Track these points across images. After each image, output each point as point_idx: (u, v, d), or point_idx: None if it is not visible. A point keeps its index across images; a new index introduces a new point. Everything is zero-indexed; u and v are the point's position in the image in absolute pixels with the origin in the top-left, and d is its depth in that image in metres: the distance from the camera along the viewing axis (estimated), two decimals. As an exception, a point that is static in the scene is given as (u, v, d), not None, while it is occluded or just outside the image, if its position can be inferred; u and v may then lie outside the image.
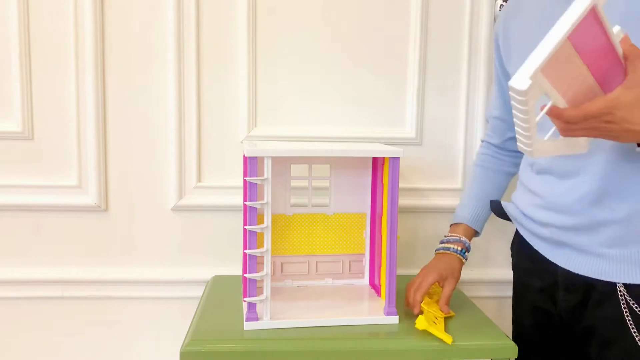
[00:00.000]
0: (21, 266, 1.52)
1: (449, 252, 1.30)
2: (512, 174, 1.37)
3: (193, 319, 1.23)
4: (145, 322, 1.56)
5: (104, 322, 1.55)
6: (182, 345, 1.10)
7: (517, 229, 1.27)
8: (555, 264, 1.12)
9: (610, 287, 1.03)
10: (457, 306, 1.31)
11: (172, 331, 1.53)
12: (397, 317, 1.19)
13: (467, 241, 1.32)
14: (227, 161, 1.52)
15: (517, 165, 1.35)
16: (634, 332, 1.01)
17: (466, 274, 1.61)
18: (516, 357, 1.14)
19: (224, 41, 1.48)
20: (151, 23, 1.46)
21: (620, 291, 1.02)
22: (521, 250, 1.25)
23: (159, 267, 1.55)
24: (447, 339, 1.12)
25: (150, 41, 1.47)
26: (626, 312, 1.01)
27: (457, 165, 1.57)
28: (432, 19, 1.51)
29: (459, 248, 1.30)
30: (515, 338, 1.30)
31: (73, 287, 1.53)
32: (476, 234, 1.35)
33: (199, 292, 1.45)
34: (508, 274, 1.57)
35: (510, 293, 1.42)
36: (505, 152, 1.36)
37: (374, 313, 1.21)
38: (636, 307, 1.01)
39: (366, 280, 1.38)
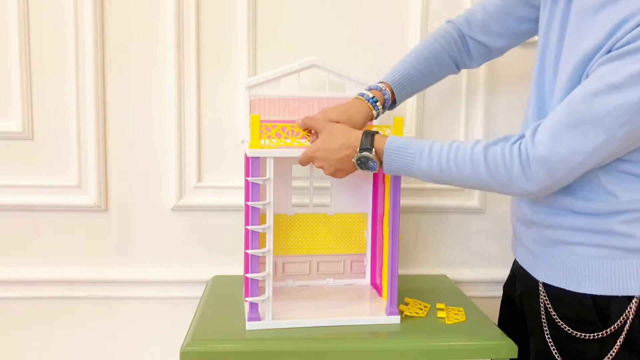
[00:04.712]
0: (21, 266, 1.51)
1: (361, 97, 1.19)
2: (454, 65, 1.29)
3: (193, 319, 1.23)
4: (145, 322, 1.56)
5: (104, 322, 1.55)
6: (182, 345, 1.10)
7: None
8: None
9: (536, 283, 1.10)
10: (457, 306, 1.32)
11: (172, 331, 1.53)
12: (398, 317, 1.20)
13: (389, 92, 1.21)
14: (227, 161, 1.52)
15: (463, 62, 1.29)
16: (545, 328, 1.07)
17: (466, 274, 1.61)
18: (516, 357, 1.15)
19: (224, 41, 1.48)
20: (151, 23, 1.46)
21: (540, 288, 1.09)
22: None
23: (159, 267, 1.54)
24: (422, 313, 1.14)
25: (150, 41, 1.47)
26: (542, 309, 1.08)
27: (457, 165, 1.57)
28: (432, 19, 1.50)
29: (371, 95, 1.19)
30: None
31: (73, 287, 1.53)
32: (394, 101, 1.24)
33: (199, 292, 1.45)
34: (508, 273, 1.58)
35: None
36: (466, 43, 1.27)
37: (376, 313, 1.22)
38: (549, 307, 1.06)
39: (367, 280, 1.39)
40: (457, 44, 1.26)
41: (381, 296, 1.30)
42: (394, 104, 1.24)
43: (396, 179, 1.16)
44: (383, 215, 1.24)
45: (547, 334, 1.07)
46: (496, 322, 1.24)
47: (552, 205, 1.04)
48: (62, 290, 1.53)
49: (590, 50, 0.94)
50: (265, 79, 1.27)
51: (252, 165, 1.11)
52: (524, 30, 1.23)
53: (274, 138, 1.13)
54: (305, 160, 1.12)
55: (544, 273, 1.08)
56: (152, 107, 1.49)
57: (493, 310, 1.59)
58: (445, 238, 1.60)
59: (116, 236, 1.53)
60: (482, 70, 1.53)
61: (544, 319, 1.08)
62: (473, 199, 1.58)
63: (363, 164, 1.07)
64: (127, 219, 1.53)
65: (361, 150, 1.06)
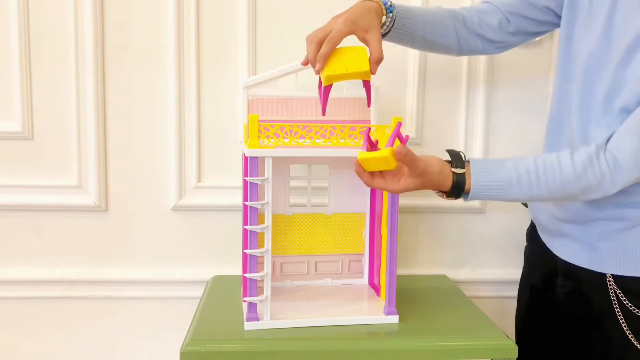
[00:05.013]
0: (21, 266, 1.52)
1: None
2: (454, 40, 1.24)
3: (193, 319, 1.23)
4: (145, 322, 1.56)
5: (104, 322, 1.55)
6: (182, 345, 1.10)
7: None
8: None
9: (600, 277, 1.10)
10: (457, 306, 1.31)
11: (172, 331, 1.53)
12: (397, 316, 1.20)
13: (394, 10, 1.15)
14: (227, 161, 1.52)
15: (465, 44, 1.26)
16: (621, 320, 1.08)
17: (466, 273, 1.61)
18: (516, 357, 1.14)
19: (224, 41, 1.48)
20: (151, 23, 1.46)
21: (609, 281, 1.09)
22: (532, 235, 1.33)
23: (159, 267, 1.55)
24: (387, 151, 0.98)
25: (150, 41, 1.47)
26: (614, 301, 1.08)
27: (457, 165, 1.57)
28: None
29: None
30: (516, 317, 1.39)
31: (73, 287, 1.53)
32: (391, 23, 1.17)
33: (199, 292, 1.45)
34: (508, 273, 1.58)
35: (510, 293, 1.43)
36: (472, 30, 1.25)
37: (374, 313, 1.22)
38: (622, 297, 1.07)
39: (365, 280, 1.38)
40: (466, 23, 1.25)
41: (379, 296, 1.29)
42: (387, 29, 1.17)
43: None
44: (381, 215, 1.24)
45: (625, 325, 1.08)
46: (496, 322, 1.23)
47: (622, 200, 1.06)
48: (62, 290, 1.53)
49: None
50: (264, 79, 1.27)
51: (251, 165, 1.11)
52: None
53: (272, 138, 1.13)
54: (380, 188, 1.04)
55: (613, 265, 1.08)
56: (152, 107, 1.49)
57: (493, 310, 1.59)
58: (445, 238, 1.60)
59: (116, 236, 1.53)
60: (482, 70, 1.53)
61: (618, 310, 1.08)
62: (473, 199, 1.58)
63: (453, 195, 1.05)
64: (127, 219, 1.53)
65: (449, 197, 1.06)
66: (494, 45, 1.27)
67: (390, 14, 1.15)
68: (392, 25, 1.17)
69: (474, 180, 1.02)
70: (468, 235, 1.61)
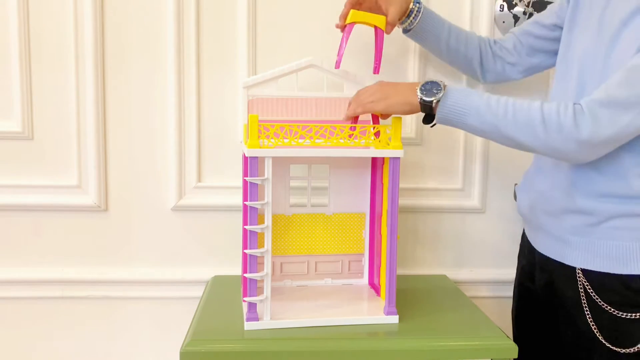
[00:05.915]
0: (21, 266, 1.52)
1: None
2: (477, 52, 1.37)
3: (193, 319, 1.23)
4: (145, 322, 1.56)
5: (104, 322, 1.55)
6: (182, 345, 1.10)
7: None
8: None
9: (570, 270, 1.13)
10: (457, 306, 1.31)
11: (172, 331, 1.53)
12: (397, 316, 1.20)
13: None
14: (227, 161, 1.52)
15: (484, 64, 1.38)
16: (588, 314, 1.11)
17: (466, 273, 1.61)
18: (516, 356, 1.14)
19: (224, 41, 1.48)
20: (151, 23, 1.46)
21: (578, 275, 1.12)
22: (523, 234, 1.37)
23: (159, 267, 1.55)
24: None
25: (151, 41, 1.47)
26: (582, 295, 1.11)
27: (457, 165, 1.57)
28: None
29: None
30: (512, 314, 1.43)
31: (73, 287, 1.53)
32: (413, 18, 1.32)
33: (199, 292, 1.45)
34: (508, 273, 1.58)
35: (510, 293, 1.43)
36: (493, 51, 1.38)
37: (374, 313, 1.22)
38: (591, 291, 1.10)
39: (365, 280, 1.38)
40: (488, 48, 1.39)
41: (379, 296, 1.29)
42: (415, 19, 1.31)
43: (394, 179, 1.16)
44: (381, 215, 1.24)
45: (590, 319, 1.10)
46: (496, 322, 1.23)
47: (593, 191, 1.09)
48: (62, 290, 1.53)
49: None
50: (264, 78, 1.27)
51: (251, 165, 1.11)
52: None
53: (272, 138, 1.13)
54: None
55: (582, 260, 1.11)
56: (152, 107, 1.49)
57: (493, 310, 1.59)
58: (444, 238, 1.60)
59: (116, 236, 1.53)
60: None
61: (585, 304, 1.11)
62: (473, 199, 1.58)
63: (427, 90, 1.10)
64: (127, 219, 1.53)
65: (427, 80, 1.12)
66: (515, 69, 1.37)
67: (418, 4, 1.29)
68: (420, 17, 1.30)
69: (448, 87, 1.10)
70: (468, 235, 1.61)
